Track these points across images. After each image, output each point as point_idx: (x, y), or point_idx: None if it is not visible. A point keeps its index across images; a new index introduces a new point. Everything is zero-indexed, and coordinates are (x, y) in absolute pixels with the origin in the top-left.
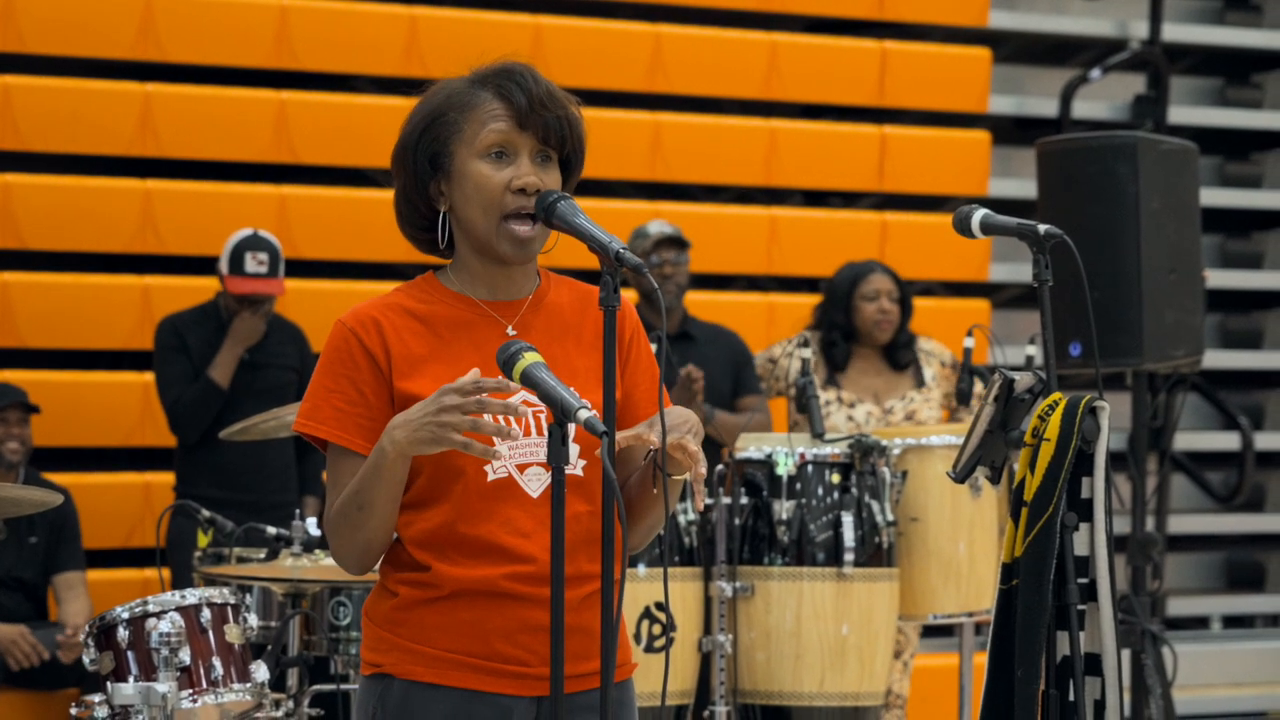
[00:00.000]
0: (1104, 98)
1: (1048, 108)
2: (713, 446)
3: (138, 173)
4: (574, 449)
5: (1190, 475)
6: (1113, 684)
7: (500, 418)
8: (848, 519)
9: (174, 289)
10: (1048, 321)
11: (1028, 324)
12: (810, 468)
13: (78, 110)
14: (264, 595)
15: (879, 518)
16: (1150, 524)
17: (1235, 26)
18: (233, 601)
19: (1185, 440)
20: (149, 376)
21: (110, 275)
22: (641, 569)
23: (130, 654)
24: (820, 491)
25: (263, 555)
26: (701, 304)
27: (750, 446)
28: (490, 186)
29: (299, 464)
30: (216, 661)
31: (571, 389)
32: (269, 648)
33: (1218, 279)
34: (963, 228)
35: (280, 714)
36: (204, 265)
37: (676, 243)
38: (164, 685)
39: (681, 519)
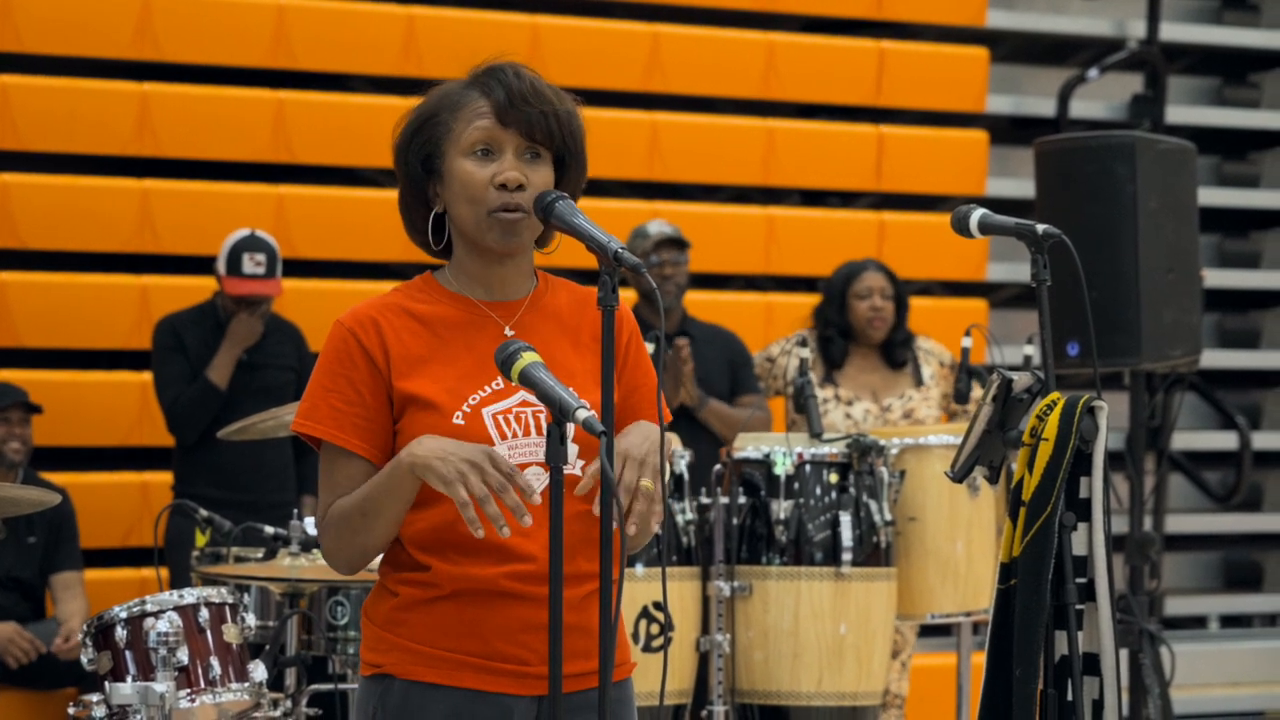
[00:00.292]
0: (1102, 97)
1: (1045, 107)
2: (712, 445)
3: (135, 172)
4: (573, 449)
5: (1188, 475)
6: (1111, 683)
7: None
8: (846, 518)
9: (172, 288)
10: (1046, 321)
11: (1026, 324)
12: (808, 467)
13: (75, 110)
14: (262, 595)
15: (877, 517)
16: (1148, 524)
17: (1233, 26)
18: (231, 601)
19: (1183, 440)
20: (147, 376)
21: (108, 275)
22: (639, 568)
23: (128, 653)
24: (818, 491)
25: (260, 555)
26: (699, 304)
27: (748, 446)
28: (474, 183)
29: (297, 464)
30: (214, 661)
31: (570, 389)
32: (267, 647)
33: (1215, 279)
34: (961, 227)
35: (278, 713)
36: (202, 265)
37: (676, 243)
38: (162, 685)
39: (680, 519)
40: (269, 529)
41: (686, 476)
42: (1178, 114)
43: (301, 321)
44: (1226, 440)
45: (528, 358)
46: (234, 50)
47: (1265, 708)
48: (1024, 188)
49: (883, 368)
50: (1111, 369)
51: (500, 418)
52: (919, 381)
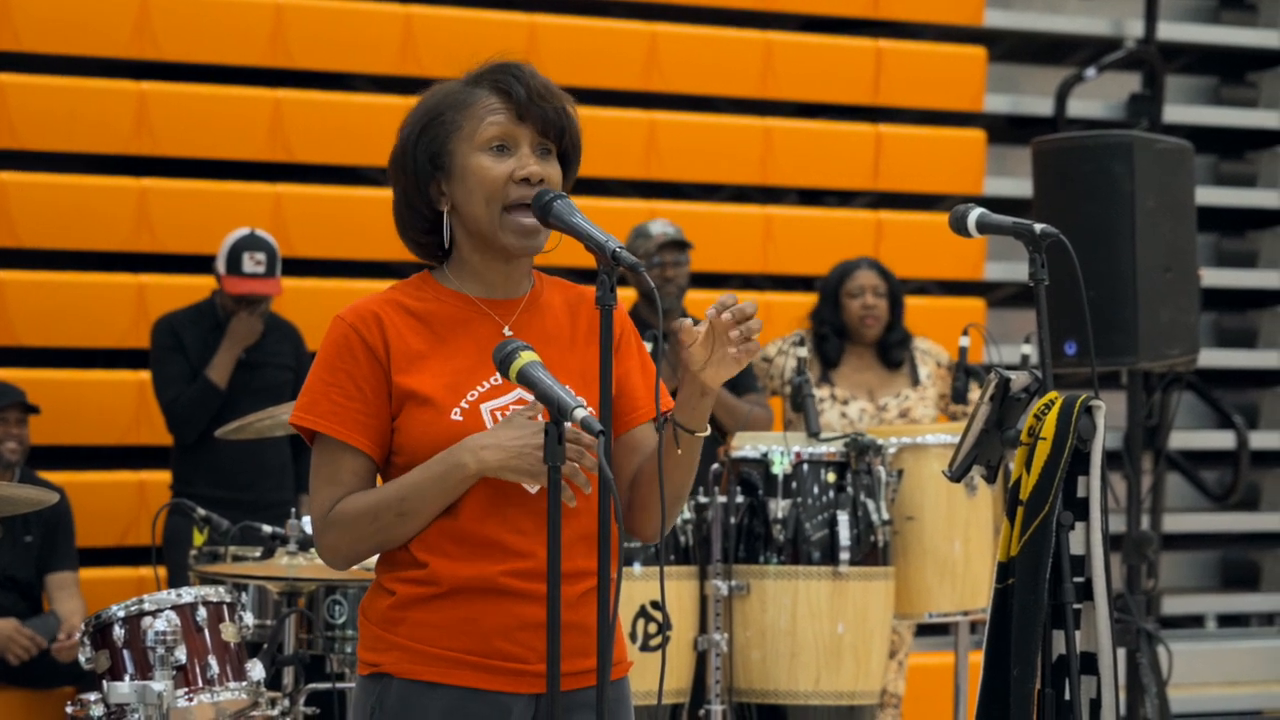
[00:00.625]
0: (1099, 96)
1: (1043, 106)
2: (709, 444)
3: (133, 171)
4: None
5: (1185, 474)
6: (1108, 683)
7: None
8: (843, 518)
9: (170, 287)
10: (1043, 320)
11: (1023, 323)
12: (806, 466)
13: (74, 109)
14: (260, 594)
15: (874, 516)
16: (1145, 523)
17: (1230, 25)
18: (228, 600)
19: (1180, 439)
20: (144, 375)
21: (106, 274)
22: (637, 567)
23: (126, 652)
24: (816, 490)
25: (258, 554)
26: (697, 303)
27: (746, 445)
28: (492, 178)
29: (295, 462)
30: (212, 660)
31: (567, 388)
32: (265, 646)
33: (1213, 278)
34: (959, 227)
35: (276, 712)
36: (200, 264)
37: (679, 245)
38: (160, 684)
39: (677, 518)
40: (267, 528)
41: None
42: (1175, 113)
43: (299, 320)
44: (1224, 439)
45: (526, 357)
46: (232, 49)
47: (1262, 707)
48: (1021, 187)
49: (879, 367)
50: (1109, 368)
51: (498, 413)
52: (916, 381)
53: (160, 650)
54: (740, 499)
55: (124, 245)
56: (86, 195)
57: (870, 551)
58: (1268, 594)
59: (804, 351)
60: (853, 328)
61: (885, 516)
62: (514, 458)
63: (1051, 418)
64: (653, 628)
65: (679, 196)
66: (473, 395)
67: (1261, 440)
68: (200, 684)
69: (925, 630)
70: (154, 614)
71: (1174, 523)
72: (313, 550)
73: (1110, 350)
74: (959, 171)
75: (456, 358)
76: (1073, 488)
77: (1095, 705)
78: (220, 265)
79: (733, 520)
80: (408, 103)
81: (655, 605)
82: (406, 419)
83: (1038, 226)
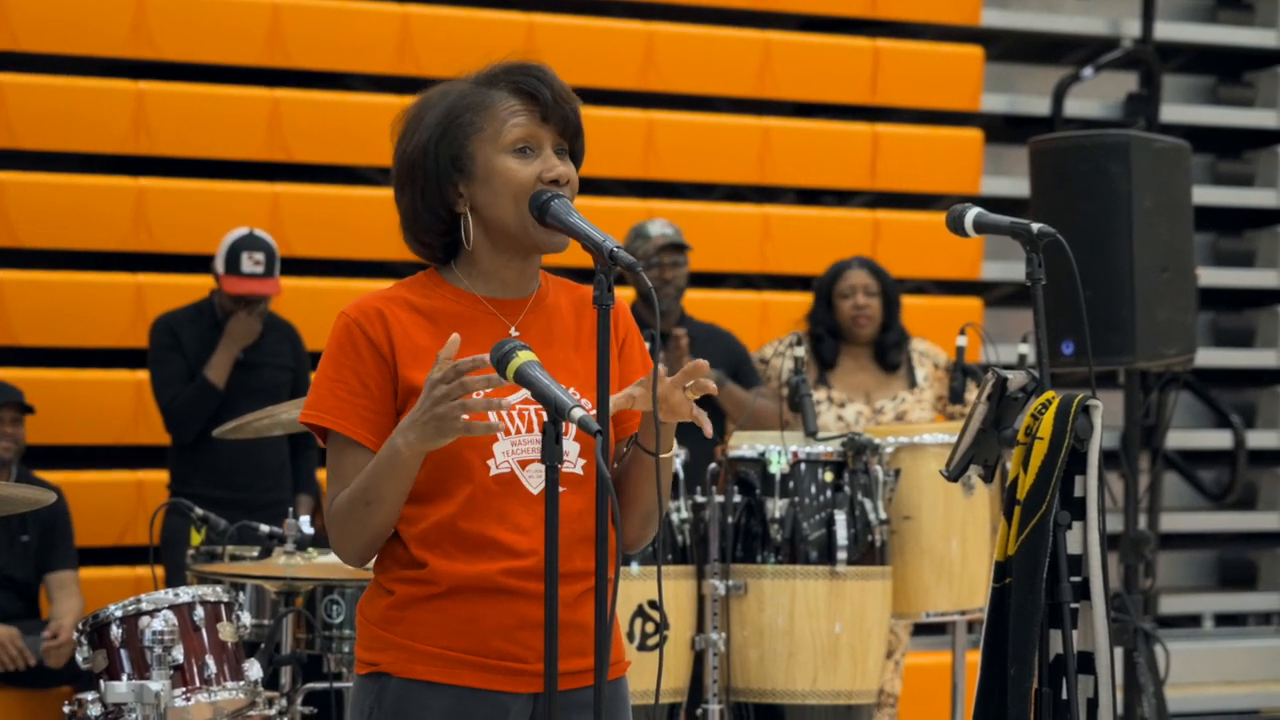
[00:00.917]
0: (1096, 96)
1: (1040, 106)
2: (707, 443)
3: (131, 171)
4: (574, 447)
5: (1182, 473)
6: (1105, 682)
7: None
8: (841, 517)
9: (167, 287)
10: (1040, 320)
11: (1020, 322)
12: (803, 466)
13: (71, 108)
14: (257, 593)
15: (872, 516)
16: (1143, 522)
17: (1227, 25)
18: (226, 600)
19: (1177, 439)
20: (142, 375)
21: (103, 273)
22: (635, 567)
23: (123, 652)
24: (813, 490)
25: (256, 553)
26: (695, 302)
27: (743, 445)
28: (520, 180)
29: (293, 462)
30: (210, 660)
31: (565, 388)
32: (262, 646)
33: (1210, 277)
34: (956, 226)
35: (273, 712)
36: (197, 263)
37: (677, 247)
38: (157, 683)
39: (674, 518)
40: (264, 528)
41: (682, 475)
42: (1172, 113)
43: (297, 320)
44: (1221, 439)
45: (523, 356)
46: (229, 49)
47: (1260, 706)
48: (1019, 186)
49: (876, 369)
50: (1106, 368)
51: (504, 413)
52: (913, 384)
53: (158, 650)
54: (738, 498)
55: (122, 245)
56: (84, 195)
57: (867, 551)
58: (1265, 593)
59: (801, 352)
60: (846, 328)
61: (882, 516)
62: (423, 428)
63: (1049, 417)
64: (650, 627)
65: (676, 196)
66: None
67: (1258, 440)
68: (198, 684)
69: (922, 629)
70: (151, 614)
71: (1171, 522)
72: (310, 550)
73: (1107, 350)
74: (956, 171)
75: (462, 356)
76: (1070, 487)
77: (1092, 704)
78: (219, 265)
79: (730, 520)
80: (406, 102)
81: (653, 605)
82: None
83: (1035, 226)
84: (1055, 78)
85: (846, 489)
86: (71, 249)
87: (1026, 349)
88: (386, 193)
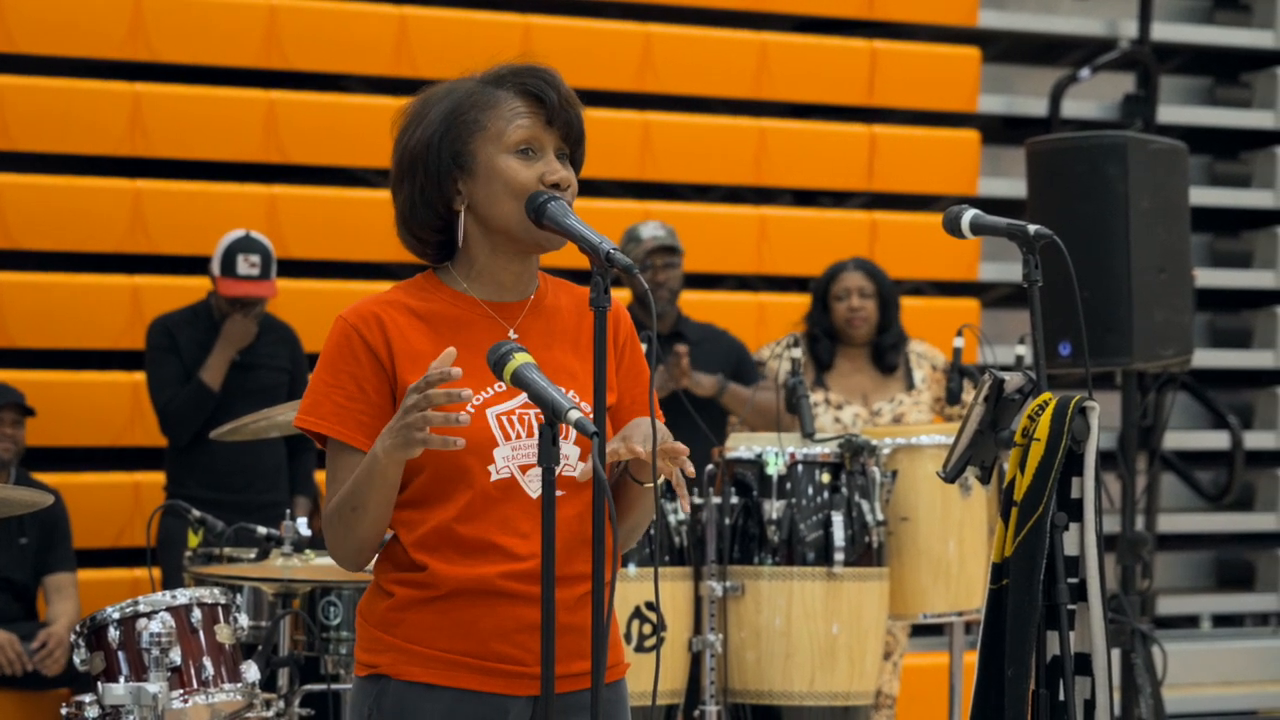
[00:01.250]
0: (1093, 97)
1: (1037, 107)
2: (704, 445)
3: (128, 172)
4: (574, 451)
5: (1180, 474)
6: (1102, 683)
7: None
8: (838, 518)
9: (164, 289)
10: (1037, 321)
11: (1017, 324)
12: (800, 467)
13: (68, 110)
14: (254, 595)
15: (869, 517)
16: (1140, 523)
17: (1224, 26)
18: (223, 601)
19: (1175, 439)
20: (139, 376)
21: (100, 275)
22: (632, 569)
23: (121, 654)
24: (810, 491)
25: (253, 555)
26: (691, 304)
27: (740, 446)
28: (522, 181)
29: (290, 464)
30: (207, 661)
31: (561, 389)
32: (259, 648)
33: (1207, 278)
34: (953, 228)
35: (271, 714)
36: (194, 265)
37: (669, 249)
38: (155, 685)
39: (671, 519)
40: (261, 529)
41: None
42: (1169, 114)
43: (294, 322)
44: (1218, 440)
45: (520, 359)
46: (226, 50)
47: (1257, 707)
48: (1016, 188)
49: (873, 371)
50: (1103, 369)
51: (504, 418)
52: (910, 386)
53: (155, 652)
54: (735, 500)
55: (118, 246)
56: (81, 196)
57: (865, 552)
58: (1262, 594)
59: (798, 353)
60: (841, 330)
61: (880, 517)
62: (392, 434)
63: (1046, 418)
64: (647, 629)
65: (673, 197)
66: (479, 400)
67: (1256, 440)
68: (195, 685)
69: (920, 631)
70: (149, 615)
71: (1169, 523)
72: (307, 552)
73: (1104, 351)
74: (953, 172)
75: (461, 361)
76: (1067, 488)
77: (1090, 706)
78: (215, 267)
79: (727, 521)
80: (402, 104)
81: (650, 606)
82: None
83: (1032, 228)
84: (1052, 79)
85: (844, 490)
86: (68, 251)
87: (1024, 350)
88: (383, 194)
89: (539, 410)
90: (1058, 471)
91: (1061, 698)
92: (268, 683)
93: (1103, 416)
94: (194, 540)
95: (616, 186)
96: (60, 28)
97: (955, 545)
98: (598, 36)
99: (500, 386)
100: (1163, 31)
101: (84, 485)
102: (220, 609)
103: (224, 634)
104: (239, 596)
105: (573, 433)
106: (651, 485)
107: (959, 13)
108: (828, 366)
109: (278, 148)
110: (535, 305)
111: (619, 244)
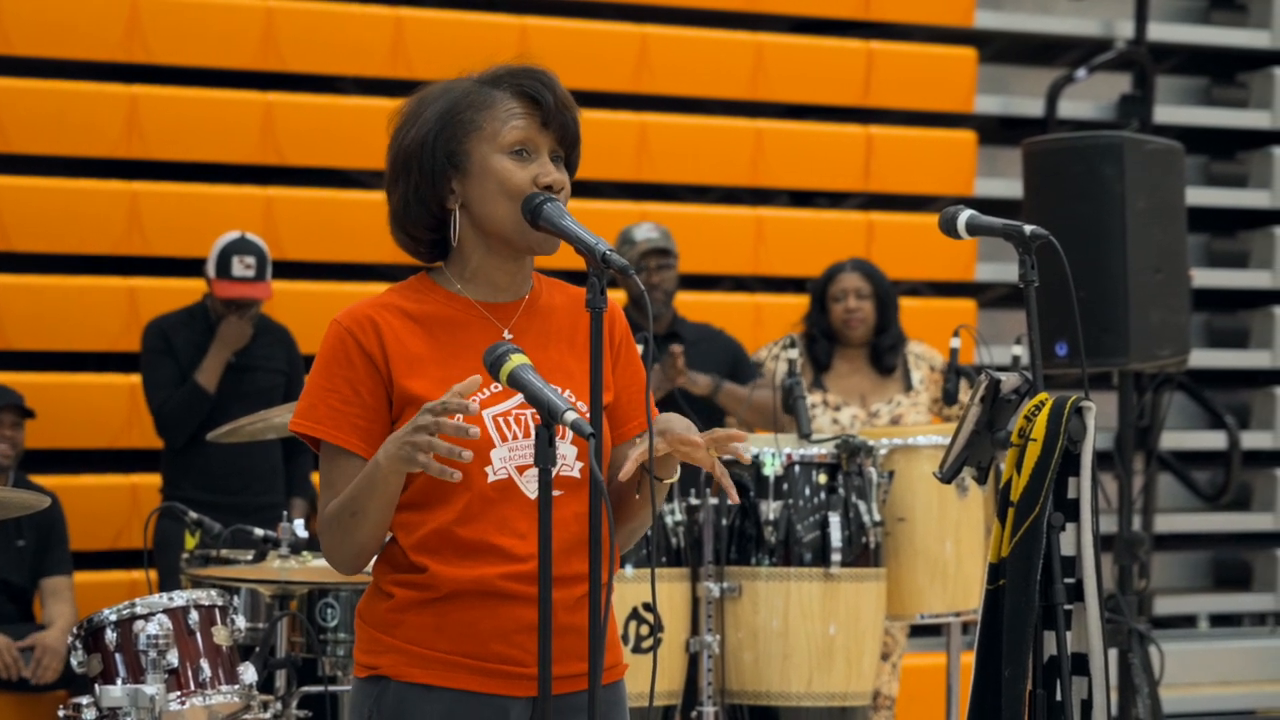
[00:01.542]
0: (1090, 97)
1: (1033, 107)
2: None
3: (124, 174)
4: (571, 451)
5: (1177, 474)
6: (1100, 683)
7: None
8: (835, 519)
9: (160, 290)
10: (1034, 322)
11: (1014, 324)
12: (797, 468)
13: (64, 112)
14: (252, 597)
15: (866, 518)
16: (1137, 523)
17: (1221, 26)
18: (220, 603)
19: (1172, 439)
20: (135, 378)
21: (96, 277)
22: (629, 570)
23: (118, 656)
24: (807, 492)
25: (250, 557)
26: (688, 304)
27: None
28: (516, 182)
29: (286, 466)
30: (204, 663)
31: (558, 390)
32: (257, 649)
33: (1203, 278)
34: (949, 228)
35: (268, 715)
36: (190, 267)
37: (663, 251)
38: (152, 687)
39: (669, 520)
40: (258, 531)
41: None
42: (1165, 114)
43: (290, 323)
44: (1215, 440)
45: (516, 360)
46: (222, 52)
47: (1255, 707)
48: (1012, 188)
49: (871, 372)
50: (1100, 369)
51: (500, 420)
52: (908, 387)
53: (152, 654)
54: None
55: (115, 248)
56: (77, 198)
57: (862, 553)
58: (1259, 594)
59: (795, 354)
60: (839, 331)
61: (876, 518)
62: (398, 449)
63: (1042, 419)
64: (645, 630)
65: (669, 198)
66: (475, 401)
67: (1253, 440)
68: (192, 687)
69: (917, 631)
70: (146, 617)
71: (1166, 523)
72: (305, 554)
73: (1101, 351)
74: (950, 173)
75: (457, 363)
76: (1063, 489)
77: (1087, 706)
78: (210, 269)
79: (724, 522)
80: (398, 105)
81: (647, 607)
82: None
83: (1028, 228)
84: (1048, 79)
85: (840, 491)
86: (64, 253)
87: (1020, 350)
88: (380, 196)
89: (534, 411)
90: (1054, 472)
91: (1058, 698)
92: (265, 684)
93: (1099, 417)
94: (191, 542)
95: (613, 187)
96: (56, 29)
97: (952, 546)
98: (594, 38)
99: (497, 387)
100: (1159, 32)
101: (81, 487)
102: (217, 611)
103: (221, 636)
104: (236, 598)
105: (570, 433)
106: (667, 482)
107: (955, 13)
108: (826, 368)
109: (274, 149)
110: (530, 305)
111: (613, 245)
